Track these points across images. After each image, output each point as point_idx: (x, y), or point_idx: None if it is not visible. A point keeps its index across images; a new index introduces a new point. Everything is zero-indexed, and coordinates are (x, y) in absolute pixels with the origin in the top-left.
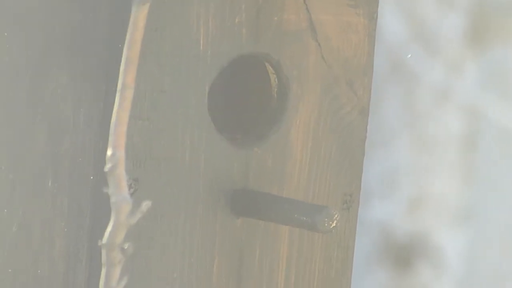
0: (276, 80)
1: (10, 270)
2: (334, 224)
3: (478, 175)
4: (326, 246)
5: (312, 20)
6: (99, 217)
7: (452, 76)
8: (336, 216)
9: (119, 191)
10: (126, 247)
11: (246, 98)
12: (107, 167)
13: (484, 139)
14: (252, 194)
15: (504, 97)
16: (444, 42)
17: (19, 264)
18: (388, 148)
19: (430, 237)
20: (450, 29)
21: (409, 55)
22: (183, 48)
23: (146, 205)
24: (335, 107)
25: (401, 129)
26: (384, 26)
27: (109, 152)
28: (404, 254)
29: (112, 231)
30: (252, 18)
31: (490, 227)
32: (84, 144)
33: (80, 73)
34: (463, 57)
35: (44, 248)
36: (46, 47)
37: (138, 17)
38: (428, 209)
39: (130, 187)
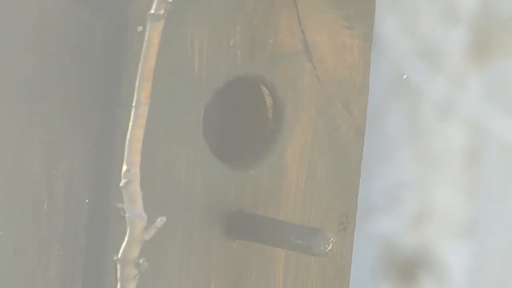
0: (271, 101)
1: None
2: (330, 247)
3: (481, 189)
4: (323, 268)
5: (307, 42)
6: (94, 239)
7: (455, 91)
8: (332, 239)
9: (133, 206)
10: (141, 262)
11: (242, 120)
12: (122, 182)
13: (487, 153)
14: (248, 216)
15: (508, 111)
16: (447, 56)
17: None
18: (392, 162)
19: (434, 251)
20: (453, 43)
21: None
22: (178, 70)
23: (161, 220)
24: (331, 128)
25: (404, 144)
26: (386, 41)
27: (124, 168)
28: (408, 268)
29: (127, 246)
30: (247, 40)
31: (494, 240)
32: (80, 167)
33: (75, 95)
34: (466, 71)
35: (40, 271)
36: (42, 69)
37: (153, 34)
38: (432, 223)
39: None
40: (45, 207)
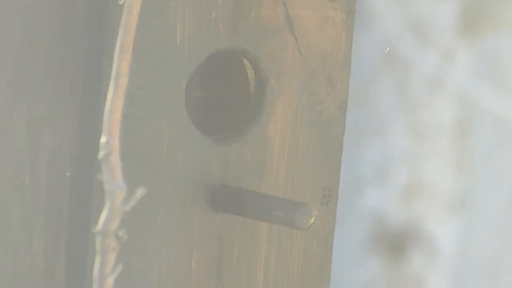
0: (253, 75)
1: None
2: (312, 221)
3: (471, 163)
4: (305, 242)
5: (289, 15)
6: (77, 213)
7: (445, 65)
8: (314, 212)
9: (113, 178)
10: (120, 234)
11: (224, 94)
12: (101, 154)
13: (477, 127)
14: (230, 190)
15: (497, 85)
16: (437, 30)
17: None
18: (381, 136)
19: (423, 225)
20: (443, 17)
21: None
22: (160, 44)
23: (140, 192)
24: (313, 102)
25: (394, 118)
26: (376, 15)
27: (103, 139)
28: (397, 242)
29: (107, 218)
30: (228, 13)
31: (483, 215)
32: (62, 141)
33: (57, 67)
34: (456, 45)
35: (23, 244)
36: (24, 44)
37: (132, 4)
38: (422, 197)
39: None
40: (27, 180)
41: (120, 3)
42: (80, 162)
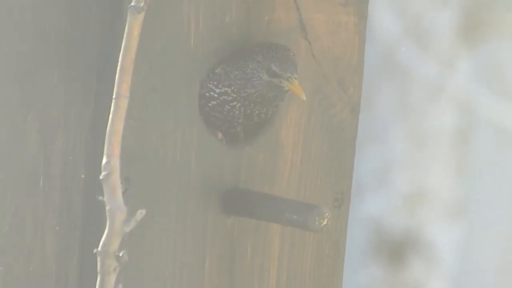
0: None
1: (1, 268)
2: (325, 223)
3: (471, 169)
4: (318, 244)
5: (302, 19)
6: (91, 215)
7: (445, 71)
8: (327, 214)
9: (113, 198)
10: (121, 255)
11: None
12: (102, 175)
13: (477, 133)
14: (243, 193)
15: (496, 92)
16: (437, 37)
17: (11, 262)
18: (382, 143)
19: (424, 231)
20: (443, 24)
21: (404, 48)
22: (173, 47)
23: (140, 213)
24: (326, 106)
25: (395, 125)
26: (377, 23)
27: (104, 161)
28: (397, 248)
29: (107, 239)
30: (242, 17)
31: (483, 221)
32: (75, 143)
33: (70, 73)
34: (456, 52)
35: (36, 247)
36: (37, 48)
37: (133, 26)
38: (422, 204)
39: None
40: (41, 183)
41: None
42: (93, 164)
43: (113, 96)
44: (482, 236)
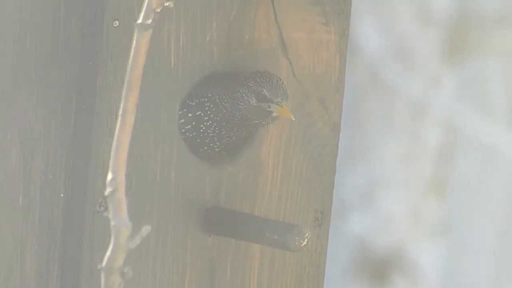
0: None
1: None
2: (305, 243)
3: (454, 188)
4: (298, 263)
5: (283, 38)
6: (70, 233)
7: (429, 90)
8: (307, 234)
9: (119, 215)
10: (125, 271)
11: None
12: (108, 191)
13: (461, 151)
14: (223, 212)
15: (481, 111)
16: (422, 55)
17: None
18: (366, 162)
19: (407, 250)
20: (428, 42)
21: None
22: (154, 66)
23: (146, 229)
24: (306, 124)
25: (379, 143)
26: (362, 41)
27: (109, 177)
28: (381, 267)
29: (111, 255)
30: (223, 35)
31: (466, 240)
32: (55, 161)
33: (50, 90)
34: (440, 71)
35: (16, 265)
36: (17, 64)
37: (141, 43)
38: (405, 223)
39: (100, 204)
40: (21, 200)
41: (115, 26)
42: (73, 183)
43: (120, 113)
44: (465, 255)
